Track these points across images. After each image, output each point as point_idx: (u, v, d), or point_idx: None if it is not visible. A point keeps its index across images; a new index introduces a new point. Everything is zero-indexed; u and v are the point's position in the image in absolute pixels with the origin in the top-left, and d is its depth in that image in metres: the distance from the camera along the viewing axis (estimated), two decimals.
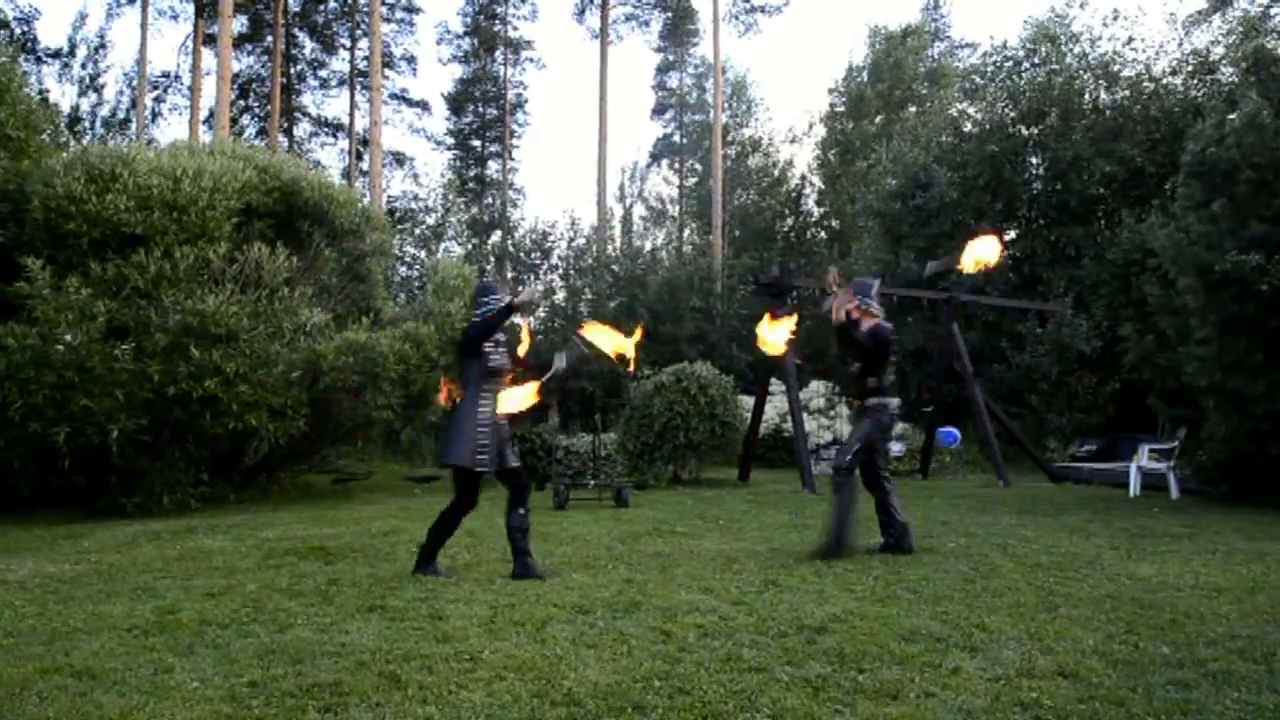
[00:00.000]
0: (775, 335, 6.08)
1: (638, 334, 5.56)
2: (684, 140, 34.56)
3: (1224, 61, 16.22)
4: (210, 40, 23.56)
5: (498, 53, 31.68)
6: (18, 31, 24.20)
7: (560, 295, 23.66)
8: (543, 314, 22.23)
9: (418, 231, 24.70)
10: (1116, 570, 5.22)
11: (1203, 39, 17.56)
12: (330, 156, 34.47)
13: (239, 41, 26.48)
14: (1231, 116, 9.18)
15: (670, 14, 30.26)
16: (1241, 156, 8.52)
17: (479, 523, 7.56)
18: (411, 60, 30.93)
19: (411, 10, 30.26)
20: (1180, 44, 17.80)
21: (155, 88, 27.68)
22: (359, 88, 28.91)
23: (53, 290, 8.22)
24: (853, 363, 6.01)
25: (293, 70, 29.77)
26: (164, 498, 8.64)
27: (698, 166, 34.01)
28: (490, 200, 30.94)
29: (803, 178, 31.36)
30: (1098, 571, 5.17)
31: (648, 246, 28.32)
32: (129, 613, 4.22)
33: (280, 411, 9.01)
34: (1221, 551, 5.89)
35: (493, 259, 24.76)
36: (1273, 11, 16.22)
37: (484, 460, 5.03)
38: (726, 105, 31.86)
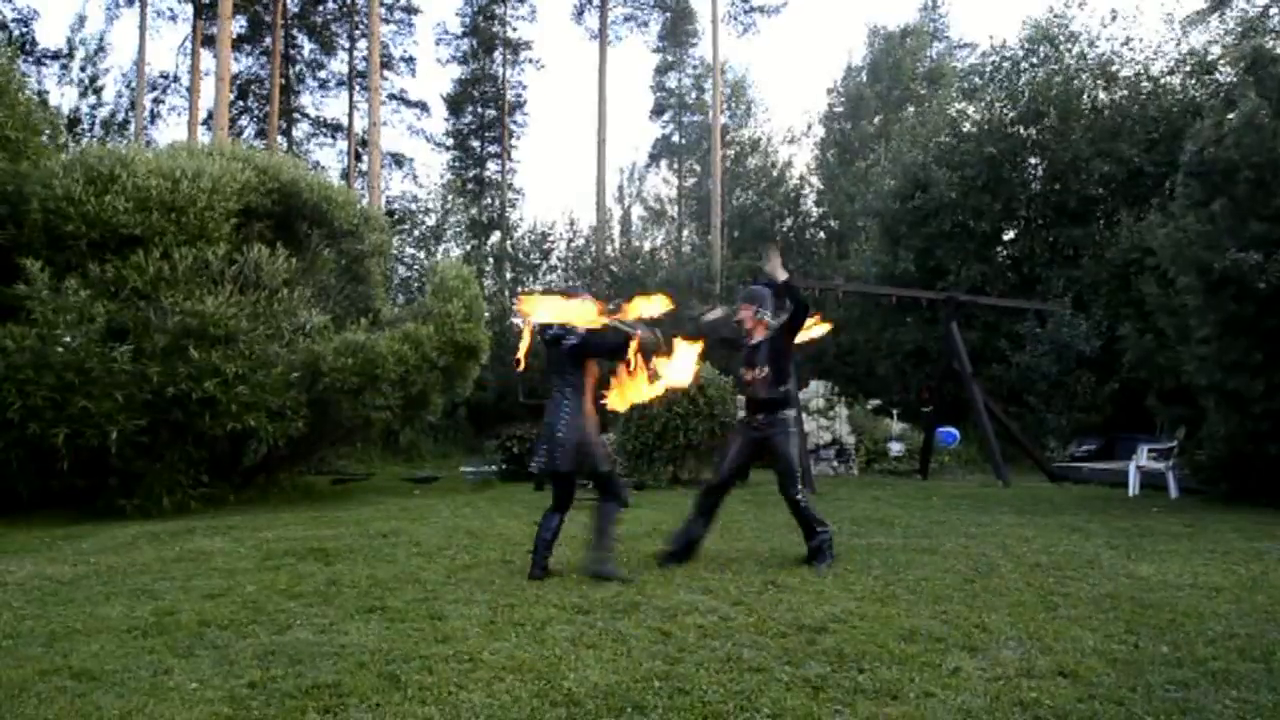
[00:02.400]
0: (681, 363, 5.61)
1: (637, 340, 5.56)
2: (683, 141, 34.56)
3: (1222, 61, 16.23)
4: (209, 41, 23.55)
5: (496, 53, 31.65)
6: (16, 33, 24.18)
7: None
8: None
9: (417, 232, 24.73)
10: (1116, 570, 5.22)
11: (1201, 39, 17.60)
12: (329, 157, 34.47)
13: (238, 42, 26.46)
14: (1230, 116, 9.18)
15: (669, 14, 30.24)
16: (1240, 156, 8.52)
17: (479, 523, 7.58)
18: (410, 61, 30.93)
19: (410, 11, 30.26)
20: (1178, 44, 17.83)
21: (154, 89, 27.68)
22: (358, 88, 28.91)
23: (51, 292, 8.21)
24: (756, 368, 5.61)
25: (291, 71, 29.75)
26: (163, 499, 8.63)
27: (697, 167, 34.01)
28: (489, 201, 30.92)
29: (801, 178, 31.40)
30: (1097, 571, 5.18)
31: (647, 247, 28.33)
32: (128, 614, 4.22)
33: (279, 412, 9.00)
34: (1220, 551, 5.89)
35: (492, 260, 24.76)
36: (1271, 11, 16.25)
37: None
38: (725, 106, 31.85)
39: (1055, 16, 18.73)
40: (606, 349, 5.26)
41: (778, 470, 5.61)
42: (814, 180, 31.15)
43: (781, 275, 5.51)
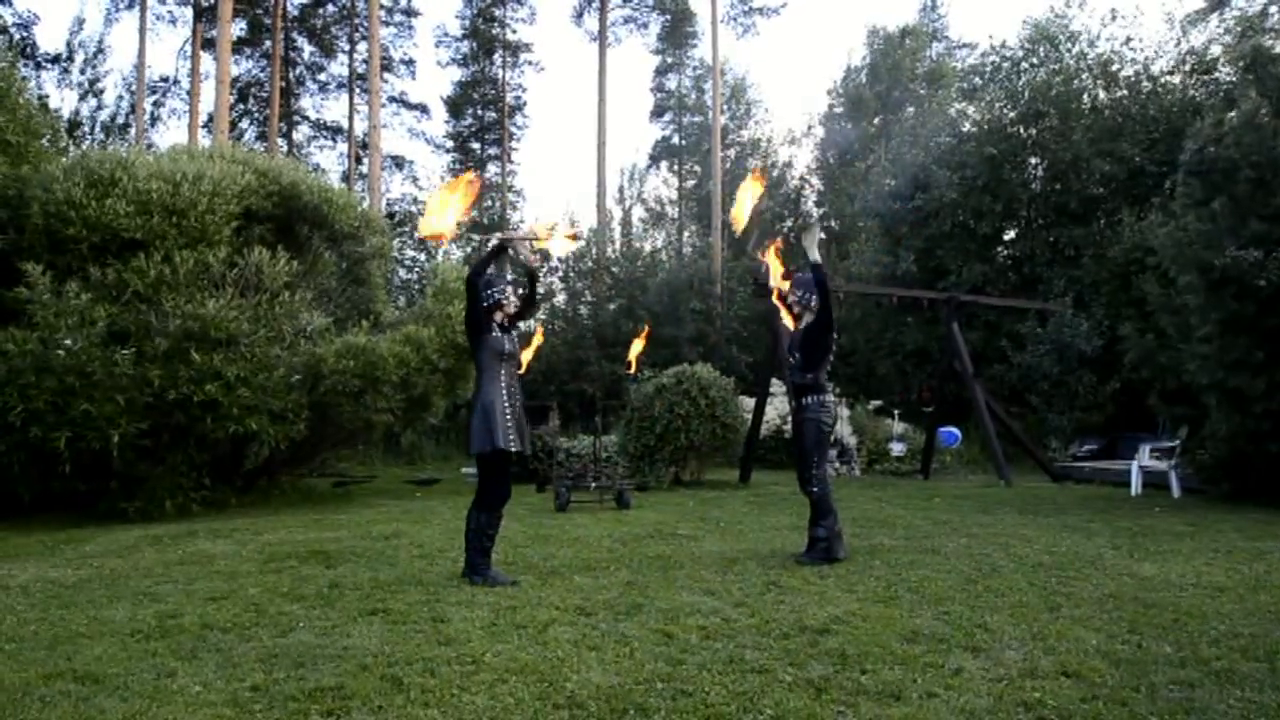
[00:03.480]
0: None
1: (640, 340, 5.60)
2: (683, 142, 34.54)
3: (1222, 60, 16.23)
4: (209, 44, 23.58)
5: (496, 55, 31.68)
6: (16, 37, 24.21)
7: (560, 298, 23.67)
8: (543, 316, 22.23)
9: (417, 234, 24.71)
10: (1118, 569, 5.22)
11: (1201, 38, 17.59)
12: (329, 160, 34.55)
13: (238, 45, 26.50)
14: (1230, 115, 9.18)
15: (669, 16, 30.24)
16: (1240, 155, 8.52)
17: None
18: (410, 63, 30.98)
19: (410, 14, 30.30)
20: (1178, 43, 17.83)
21: (154, 92, 27.73)
22: (358, 91, 28.95)
23: (53, 295, 8.22)
24: (791, 354, 5.78)
25: (292, 74, 29.79)
26: (165, 502, 8.63)
27: (697, 168, 34.01)
28: (490, 203, 30.95)
29: (801, 179, 31.40)
30: (1100, 571, 5.17)
31: (647, 248, 28.27)
32: (131, 617, 4.22)
33: (281, 415, 9.01)
34: (1223, 550, 5.89)
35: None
36: (1270, 10, 16.24)
37: (513, 440, 4.94)
38: (725, 107, 31.86)
39: (1055, 16, 18.73)
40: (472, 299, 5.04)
41: (796, 452, 5.76)
42: (814, 181, 31.18)
43: (814, 256, 5.58)
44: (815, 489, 5.57)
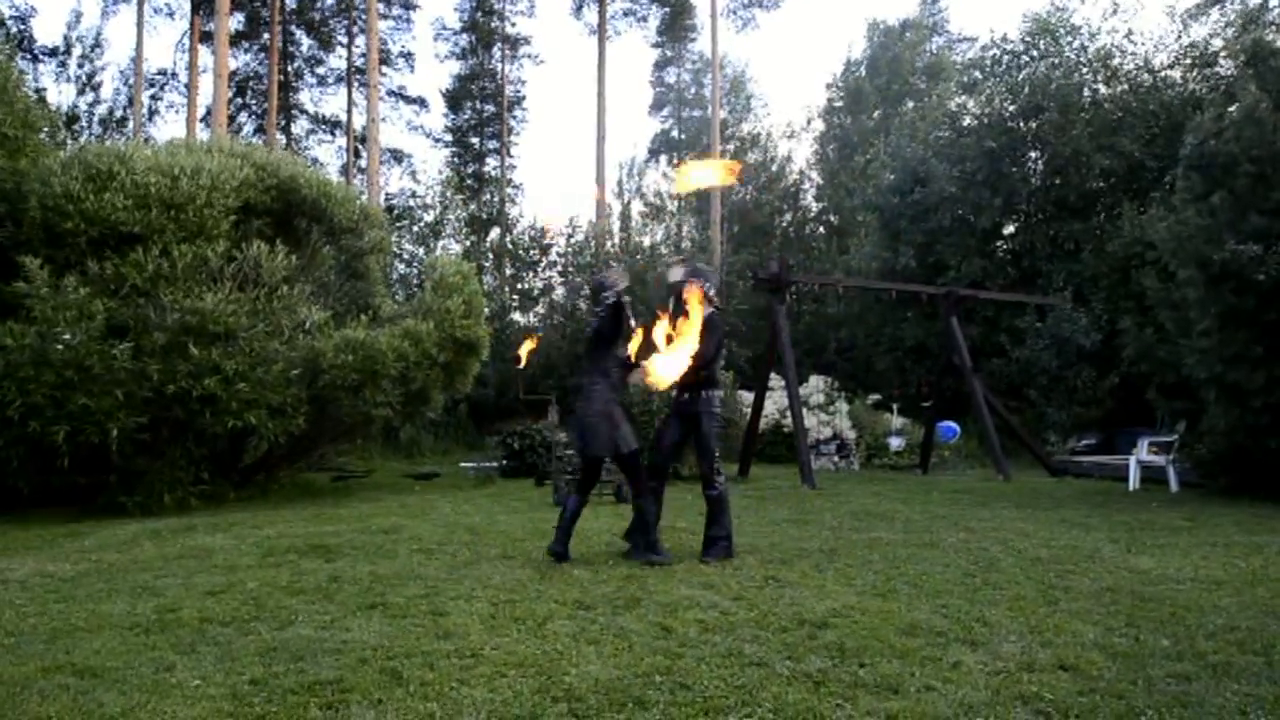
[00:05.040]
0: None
1: (639, 336, 5.63)
2: (682, 136, 34.51)
3: (1222, 54, 16.21)
4: (207, 38, 23.51)
5: (495, 49, 31.61)
6: (14, 30, 24.15)
7: (559, 292, 23.63)
8: (542, 310, 22.21)
9: (416, 229, 24.66)
10: (1116, 564, 5.23)
11: (1201, 32, 17.55)
12: (328, 154, 34.55)
13: (236, 39, 26.42)
14: (1230, 109, 9.17)
15: (668, 9, 30.16)
16: (1240, 149, 8.51)
17: (480, 519, 7.58)
18: (409, 57, 30.93)
19: (408, 7, 30.22)
20: (1179, 37, 17.79)
21: (152, 85, 27.69)
22: (356, 85, 28.87)
23: (51, 289, 8.20)
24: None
25: (290, 67, 29.71)
26: (164, 496, 8.62)
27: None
28: (488, 197, 30.88)
29: (801, 173, 31.37)
30: (1097, 565, 5.18)
31: (646, 242, 28.21)
32: (130, 611, 4.22)
33: (279, 409, 9.00)
34: (1221, 544, 5.90)
35: (491, 256, 24.73)
36: (1271, 4, 16.21)
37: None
38: (725, 101, 31.81)
39: (1056, 10, 18.70)
40: (608, 328, 5.52)
41: (698, 450, 5.76)
42: (814, 175, 31.14)
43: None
44: (715, 491, 5.55)
